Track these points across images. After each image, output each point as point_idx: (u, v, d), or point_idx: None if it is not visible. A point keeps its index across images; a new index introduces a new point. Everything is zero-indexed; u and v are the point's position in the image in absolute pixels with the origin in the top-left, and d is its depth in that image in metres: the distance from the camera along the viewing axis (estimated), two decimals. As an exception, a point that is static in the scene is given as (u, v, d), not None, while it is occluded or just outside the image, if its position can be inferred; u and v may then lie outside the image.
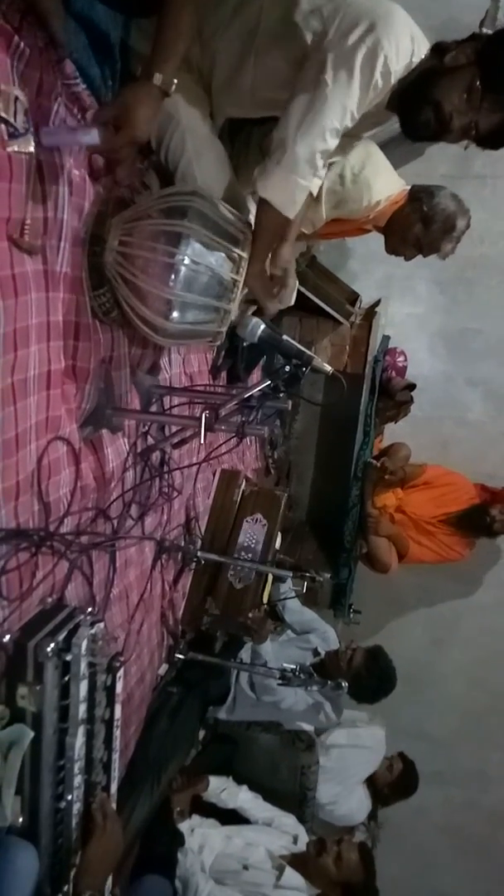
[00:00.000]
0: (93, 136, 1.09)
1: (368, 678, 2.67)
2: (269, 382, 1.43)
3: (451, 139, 1.42)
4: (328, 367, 1.42)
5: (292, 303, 2.61)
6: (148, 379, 1.68)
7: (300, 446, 3.56)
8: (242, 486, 2.50)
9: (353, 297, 3.22)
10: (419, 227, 2.15)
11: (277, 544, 2.54)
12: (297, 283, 2.64)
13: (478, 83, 1.31)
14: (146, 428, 1.72)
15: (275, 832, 2.35)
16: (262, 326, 1.41)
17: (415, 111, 1.37)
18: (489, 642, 3.79)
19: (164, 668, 2.17)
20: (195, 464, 1.93)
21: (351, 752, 2.96)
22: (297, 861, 2.22)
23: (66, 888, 1.30)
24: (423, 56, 1.30)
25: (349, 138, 1.63)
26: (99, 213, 1.31)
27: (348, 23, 1.23)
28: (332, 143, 1.29)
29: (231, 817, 2.39)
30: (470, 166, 3.28)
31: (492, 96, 1.31)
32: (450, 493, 3.38)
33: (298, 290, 2.86)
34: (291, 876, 2.15)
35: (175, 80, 1.14)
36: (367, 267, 3.36)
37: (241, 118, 1.61)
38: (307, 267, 3.12)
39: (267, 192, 1.32)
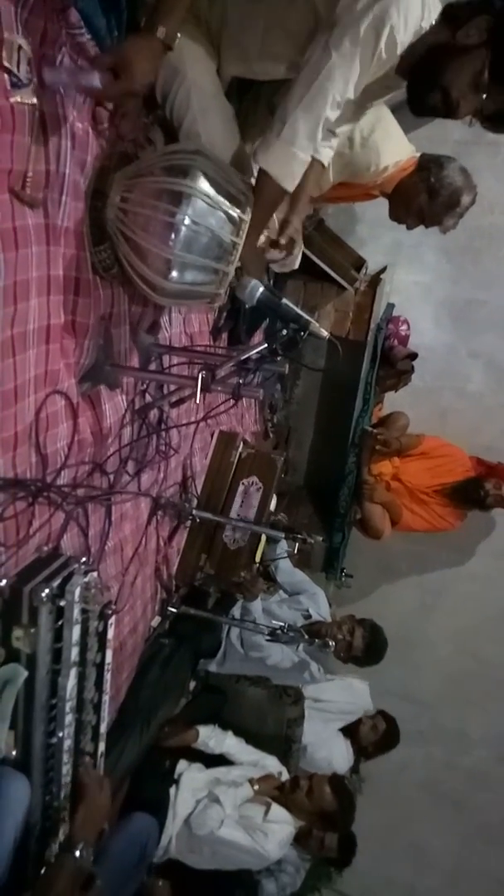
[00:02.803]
0: (93, 79, 1.08)
1: (365, 655, 2.76)
2: (265, 345, 1.45)
3: (456, 118, 1.43)
4: (325, 333, 1.44)
5: (296, 266, 2.62)
6: (147, 337, 1.70)
7: (300, 411, 3.58)
8: (240, 449, 2.53)
9: (360, 263, 3.20)
10: (424, 198, 2.14)
11: (272, 506, 2.59)
12: (302, 246, 2.64)
13: (487, 71, 1.30)
14: (144, 386, 1.74)
15: (259, 771, 2.46)
16: (261, 289, 1.42)
17: (423, 93, 1.38)
18: (476, 610, 3.88)
19: (156, 620, 2.24)
20: (192, 423, 1.96)
21: (332, 697, 3.07)
22: (279, 798, 2.34)
23: (59, 840, 1.38)
24: (433, 21, 1.28)
25: (360, 106, 1.61)
26: (102, 167, 1.31)
27: None
28: (333, 114, 1.28)
29: (217, 762, 2.50)
30: (484, 133, 3.15)
31: (500, 84, 1.31)
32: (446, 464, 3.41)
33: (304, 254, 2.85)
34: (277, 811, 2.29)
35: (178, 35, 1.13)
36: (376, 232, 3.33)
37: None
38: (314, 230, 3.09)
39: (267, 163, 1.33)
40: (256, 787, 2.35)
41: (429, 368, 3.49)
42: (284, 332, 1.43)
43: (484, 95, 1.32)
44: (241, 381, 1.52)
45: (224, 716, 2.72)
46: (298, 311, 1.48)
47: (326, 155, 1.57)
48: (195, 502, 2.32)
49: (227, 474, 2.47)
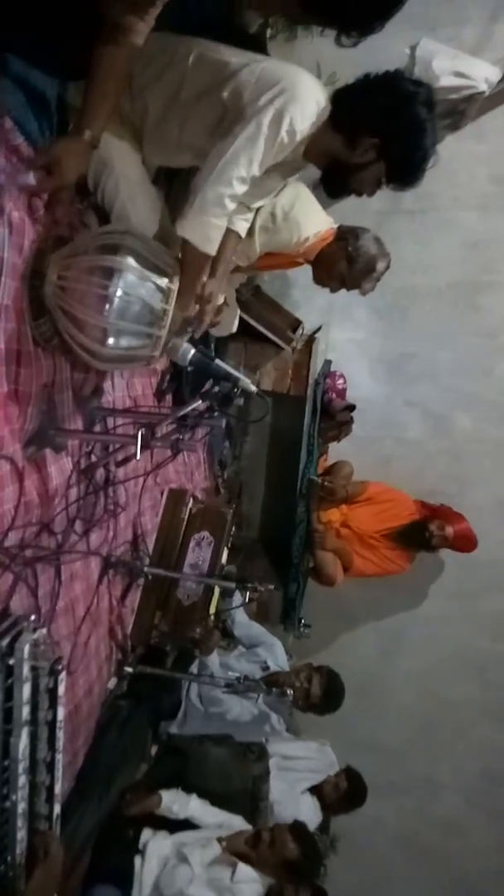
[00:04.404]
0: (28, 178, 1.21)
1: (324, 701, 2.78)
2: (199, 402, 1.56)
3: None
4: (253, 387, 1.56)
5: (234, 330, 2.78)
6: (90, 401, 1.79)
7: (251, 467, 3.69)
8: (190, 505, 2.60)
9: (296, 324, 3.40)
10: (343, 265, 2.35)
11: (224, 559, 2.65)
12: (239, 311, 2.82)
13: (385, 176, 1.59)
14: (89, 448, 1.82)
15: (224, 832, 2.42)
16: (192, 351, 1.54)
17: (337, 193, 1.71)
18: (434, 652, 3.94)
19: (113, 681, 2.24)
20: (136, 477, 2.03)
21: (298, 754, 3.05)
22: (246, 856, 2.30)
23: None
24: (326, 114, 1.49)
25: (275, 184, 1.81)
26: (39, 250, 1.43)
27: (261, 86, 1.41)
28: (240, 188, 1.45)
29: (183, 827, 2.45)
30: (400, 202, 3.52)
31: (396, 181, 1.62)
32: (391, 508, 3.55)
33: (242, 318, 3.03)
34: (244, 870, 2.25)
35: (101, 135, 1.28)
36: (309, 295, 3.54)
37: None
38: (252, 296, 3.29)
39: (184, 231, 1.47)
40: (224, 843, 2.31)
41: (369, 419, 3.66)
42: (217, 388, 1.54)
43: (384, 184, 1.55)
44: (180, 437, 1.63)
45: (188, 778, 2.68)
46: (230, 369, 1.60)
47: (242, 227, 1.74)
48: (147, 560, 2.37)
49: (178, 530, 2.53)
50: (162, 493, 2.56)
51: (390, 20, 1.06)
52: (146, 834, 2.34)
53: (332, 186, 1.67)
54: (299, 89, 1.42)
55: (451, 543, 3.52)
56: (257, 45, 2.13)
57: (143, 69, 1.50)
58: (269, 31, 2.97)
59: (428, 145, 1.55)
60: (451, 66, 2.95)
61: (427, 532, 3.45)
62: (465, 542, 3.54)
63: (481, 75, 3.03)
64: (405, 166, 1.57)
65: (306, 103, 1.44)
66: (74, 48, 1.22)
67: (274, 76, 1.43)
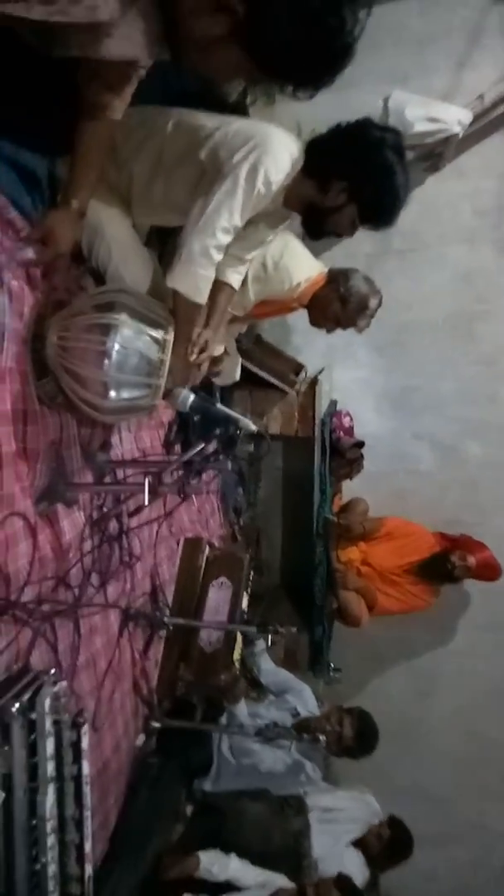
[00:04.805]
0: (27, 253, 1.30)
1: (357, 743, 2.71)
2: (202, 445, 1.60)
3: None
4: (253, 427, 1.60)
5: (237, 378, 2.85)
6: (99, 455, 1.84)
7: (266, 512, 3.71)
8: (206, 552, 2.62)
9: (299, 368, 3.47)
10: (337, 306, 2.43)
11: (244, 605, 2.64)
12: (241, 359, 2.89)
13: (358, 218, 1.70)
14: (101, 501, 1.86)
15: (267, 891, 2.33)
16: (192, 397, 1.60)
17: (317, 235, 1.80)
18: (471, 687, 3.83)
19: (141, 738, 2.20)
20: (148, 522, 2.04)
21: (339, 805, 2.94)
22: None
23: None
24: (299, 164, 1.58)
25: (262, 233, 1.91)
26: (39, 315, 1.51)
27: (235, 144, 1.51)
28: (224, 239, 1.53)
29: (222, 888, 2.36)
30: (390, 244, 3.63)
31: (370, 222, 1.73)
32: (410, 543, 3.52)
33: (246, 366, 3.11)
34: (289, 932, 2.14)
35: (88, 203, 1.37)
36: (309, 339, 3.62)
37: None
38: (253, 345, 3.38)
39: (175, 283, 1.55)
40: None
41: (379, 454, 3.68)
42: (218, 431, 1.58)
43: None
44: (187, 481, 1.66)
45: (225, 837, 2.59)
46: (229, 411, 1.65)
47: (235, 280, 1.82)
48: (167, 611, 2.37)
49: (196, 578, 2.53)
50: (178, 544, 2.58)
51: (339, 74, 1.14)
52: (187, 898, 2.26)
53: (312, 229, 1.76)
54: (271, 143, 1.52)
55: (475, 573, 3.47)
56: (238, 113, 2.28)
57: (126, 141, 1.61)
58: (248, 99, 3.15)
59: (398, 186, 1.64)
60: (424, 113, 3.10)
61: (449, 563, 3.40)
62: (490, 571, 3.48)
63: (454, 118, 3.17)
64: (377, 207, 1.66)
65: (279, 155, 1.53)
66: (59, 126, 1.32)
67: (247, 134, 1.53)
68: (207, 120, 1.59)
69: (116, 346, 1.45)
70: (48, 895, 1.36)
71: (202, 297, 1.58)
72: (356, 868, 2.98)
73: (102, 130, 1.33)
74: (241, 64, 1.08)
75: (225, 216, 1.50)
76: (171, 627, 2.35)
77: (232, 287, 1.89)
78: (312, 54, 1.06)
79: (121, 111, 1.32)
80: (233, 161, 1.49)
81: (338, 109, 1.85)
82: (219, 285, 1.87)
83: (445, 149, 3.35)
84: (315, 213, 1.70)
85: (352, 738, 2.64)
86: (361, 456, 3.45)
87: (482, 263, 3.63)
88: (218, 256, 1.54)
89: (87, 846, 1.46)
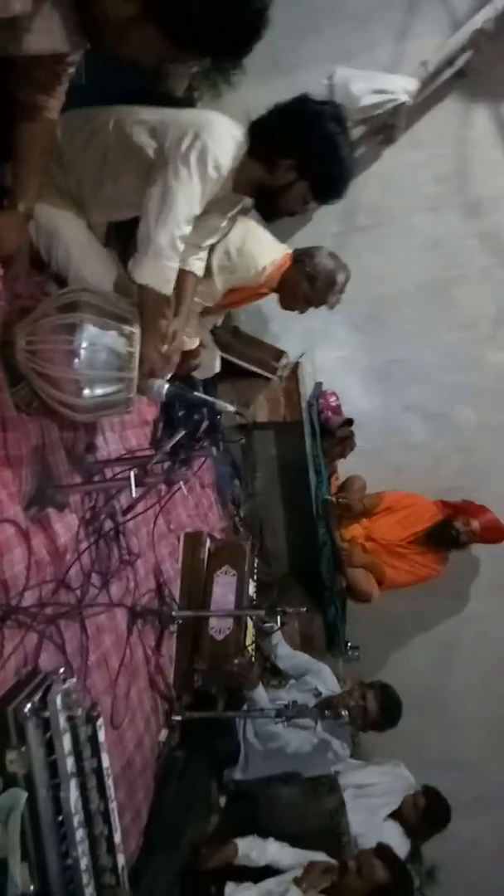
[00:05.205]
0: None
1: (382, 717, 2.73)
2: (182, 433, 1.62)
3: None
4: (231, 408, 1.62)
5: (217, 370, 2.87)
6: (85, 457, 1.86)
7: (266, 502, 3.73)
8: (207, 544, 2.64)
9: (279, 354, 3.49)
10: (305, 285, 2.45)
11: (252, 591, 2.66)
12: (219, 352, 2.91)
13: (310, 193, 1.70)
14: (93, 502, 1.88)
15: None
16: (167, 386, 1.61)
17: (272, 216, 1.82)
18: (491, 652, 3.84)
19: (164, 733, 2.23)
20: (145, 511, 2.03)
21: (372, 780, 2.96)
22: (333, 892, 2.22)
23: None
24: (244, 147, 1.60)
25: (216, 221, 1.93)
26: (5, 323, 1.53)
27: (178, 134, 1.53)
28: (187, 228, 1.55)
29: (264, 873, 2.38)
30: (355, 221, 3.65)
31: (321, 196, 1.73)
32: (412, 514, 3.53)
33: (226, 358, 3.13)
34: (333, 907, 2.16)
35: (35, 205, 1.39)
36: (287, 325, 3.64)
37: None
38: (232, 336, 3.40)
39: (143, 278, 1.57)
40: (304, 885, 2.23)
41: (371, 431, 3.69)
42: (196, 416, 1.60)
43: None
44: (173, 470, 1.68)
45: (261, 824, 2.61)
46: (205, 397, 1.67)
47: (198, 267, 1.84)
48: (175, 606, 2.38)
49: (200, 571, 2.56)
50: (178, 540, 2.60)
51: (256, 39, 1.15)
52: (229, 888, 2.28)
53: (266, 211, 1.78)
54: (213, 128, 1.55)
55: (480, 537, 3.49)
56: (186, 107, 2.30)
57: (70, 144, 1.63)
58: (195, 94, 3.18)
59: (344, 157, 1.66)
60: (369, 86, 3.12)
61: (453, 530, 3.42)
62: (495, 533, 3.50)
63: (400, 87, 3.19)
64: (326, 180, 1.68)
65: (223, 139, 1.55)
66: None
67: (188, 123, 1.55)
68: (148, 114, 1.61)
69: (84, 344, 1.47)
70: (83, 888, 1.38)
71: (169, 289, 1.60)
72: (396, 840, 2.99)
73: (41, 132, 1.35)
74: (157, 42, 1.09)
75: (184, 206, 1.52)
76: (180, 622, 2.37)
77: (195, 275, 1.91)
78: (224, 23, 1.07)
79: (56, 110, 1.34)
80: (180, 150, 1.51)
81: (285, 95, 1.87)
82: (183, 275, 1.89)
83: (396, 119, 3.37)
84: (266, 193, 1.72)
85: (376, 712, 2.65)
86: (352, 433, 3.46)
87: (449, 229, 3.65)
88: (182, 246, 1.56)
89: (117, 837, 1.48)
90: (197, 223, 1.79)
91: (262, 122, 1.67)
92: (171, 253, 1.55)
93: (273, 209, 1.74)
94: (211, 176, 1.54)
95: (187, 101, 2.90)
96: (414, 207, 3.67)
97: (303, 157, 1.64)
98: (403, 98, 3.21)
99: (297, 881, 2.24)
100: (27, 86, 1.27)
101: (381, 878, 2.23)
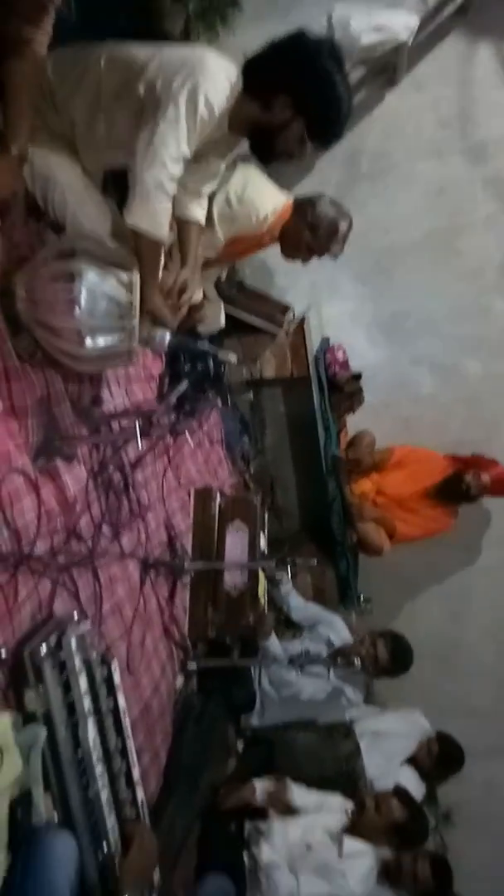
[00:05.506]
0: None
1: (393, 664, 2.77)
2: (186, 383, 1.61)
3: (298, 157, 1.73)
4: (233, 357, 1.61)
5: (222, 325, 2.85)
6: (91, 409, 1.86)
7: (276, 459, 3.72)
8: (218, 500, 2.66)
9: (285, 309, 3.45)
10: (307, 234, 2.40)
11: (263, 546, 2.68)
12: (223, 306, 2.88)
13: (306, 132, 1.65)
14: (101, 455, 1.89)
15: (325, 812, 2.42)
16: (169, 336, 1.61)
17: (268, 158, 1.75)
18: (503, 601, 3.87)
19: (180, 680, 2.28)
20: (149, 462, 2.04)
21: (388, 727, 3.02)
22: (352, 829, 2.30)
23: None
24: (239, 86, 1.56)
25: (214, 165, 1.89)
26: (4, 272, 1.52)
27: (171, 73, 1.49)
28: (175, 168, 1.52)
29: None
30: (358, 169, 3.57)
31: (319, 135, 1.68)
32: (422, 468, 3.52)
33: (232, 314, 3.10)
34: (351, 844, 2.25)
35: (28, 146, 1.37)
36: (292, 279, 3.59)
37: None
38: (237, 291, 3.36)
39: (134, 221, 1.54)
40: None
41: (379, 385, 3.66)
42: (198, 366, 1.60)
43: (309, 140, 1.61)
44: (179, 420, 1.69)
45: (279, 768, 2.68)
46: (208, 347, 1.66)
47: (199, 214, 1.81)
48: (187, 558, 2.41)
49: (212, 526, 2.58)
50: (189, 495, 2.62)
51: None
52: (249, 826, 2.36)
53: (262, 153, 1.73)
54: (206, 66, 1.50)
55: (491, 489, 3.47)
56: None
57: (61, 83, 1.59)
58: (191, 34, 3.08)
59: (340, 94, 1.60)
60: (369, 23, 3.01)
61: (464, 483, 3.40)
62: (505, 485, 3.49)
63: (400, 24, 3.08)
64: (322, 117, 1.63)
65: (216, 77, 1.51)
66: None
67: (181, 60, 1.51)
68: (139, 50, 1.57)
69: (84, 292, 1.46)
70: (105, 818, 1.43)
71: (163, 232, 1.57)
72: (411, 784, 3.07)
73: (29, 68, 1.32)
74: None
75: (172, 146, 1.48)
76: (192, 574, 2.40)
77: (198, 222, 1.88)
78: None
79: (44, 45, 1.31)
80: (171, 89, 1.47)
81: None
82: (185, 224, 1.86)
83: (398, 60, 3.26)
84: (262, 133, 1.66)
85: (387, 660, 2.69)
86: (360, 388, 3.44)
87: (454, 175, 3.56)
88: (172, 187, 1.53)
89: (135, 773, 1.54)
90: (194, 168, 1.76)
91: (258, 59, 1.62)
92: (158, 194, 1.52)
93: (270, 150, 1.69)
94: (202, 114, 1.50)
95: (183, 40, 2.81)
96: (418, 153, 3.58)
97: (300, 92, 1.59)
98: (404, 36, 3.10)
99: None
100: (14, 19, 1.24)
101: (399, 817, 2.31)
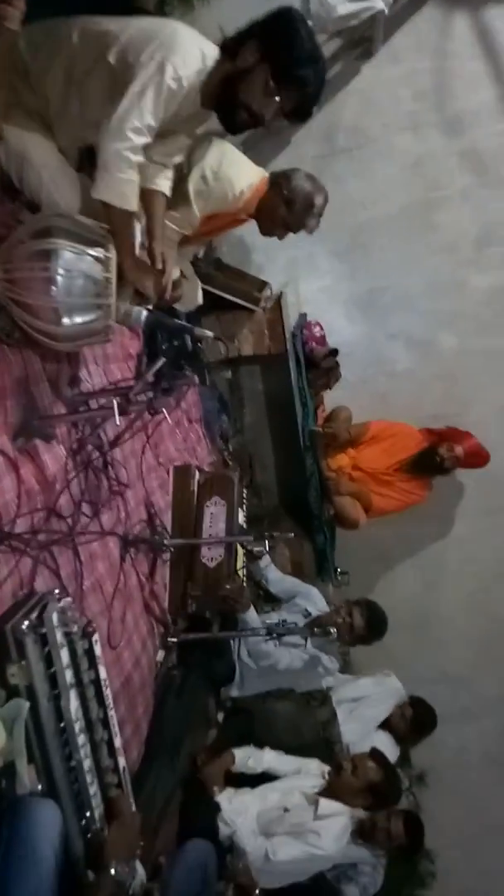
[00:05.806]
0: None
1: (368, 631, 2.84)
2: (163, 360, 1.62)
3: (264, 125, 1.70)
4: (209, 333, 1.62)
5: (200, 302, 2.84)
6: (69, 390, 1.87)
7: (255, 437, 3.76)
8: (196, 477, 2.69)
9: (262, 286, 3.44)
10: (283, 209, 2.39)
11: (242, 520, 2.73)
12: (200, 284, 2.87)
13: (271, 80, 1.59)
14: (79, 434, 1.90)
15: (303, 776, 2.51)
16: (145, 312, 1.61)
17: (230, 115, 1.68)
18: (476, 571, 3.97)
19: (161, 654, 2.33)
20: (128, 430, 2.05)
21: (363, 693, 3.12)
22: (328, 791, 2.39)
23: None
24: (214, 60, 1.54)
25: (182, 139, 1.87)
26: (-22, 252, 1.50)
27: (141, 45, 1.47)
28: (139, 140, 1.51)
29: (260, 781, 2.54)
30: (335, 143, 3.55)
31: (284, 85, 1.61)
32: (397, 442, 3.58)
33: (210, 291, 3.09)
34: (326, 805, 2.35)
35: (6, 129, 1.35)
36: (270, 256, 3.59)
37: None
38: (214, 269, 3.35)
39: (99, 193, 1.53)
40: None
41: (356, 361, 3.70)
42: (175, 343, 1.61)
43: (277, 98, 1.58)
44: (156, 397, 1.70)
45: (258, 737, 2.76)
46: (184, 323, 1.67)
47: (165, 186, 1.80)
48: (166, 535, 2.45)
49: (190, 502, 2.61)
50: (168, 473, 2.64)
51: None
52: (228, 792, 2.43)
53: (228, 116, 1.67)
54: (177, 39, 1.49)
55: (464, 462, 3.55)
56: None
57: (35, 60, 1.57)
58: (166, 8, 3.02)
59: (306, 43, 1.58)
60: (345, -8, 2.97)
61: (437, 456, 3.48)
62: (477, 458, 3.57)
63: (377, -7, 3.05)
64: (289, 62, 1.58)
65: (187, 50, 1.50)
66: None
67: (151, 33, 1.49)
68: (111, 24, 1.54)
69: (60, 271, 1.46)
70: (88, 786, 1.48)
71: (130, 204, 1.56)
72: (386, 747, 3.18)
73: (2, 44, 1.30)
74: None
75: (135, 116, 1.47)
76: (172, 550, 2.44)
77: (163, 193, 1.87)
78: None
79: (17, 20, 1.29)
80: (140, 61, 1.45)
81: (260, 9, 1.78)
82: (150, 193, 1.84)
83: (374, 31, 3.22)
84: (228, 89, 1.61)
85: (362, 627, 2.77)
86: (337, 364, 3.47)
87: (429, 148, 3.56)
88: (135, 158, 1.51)
89: (117, 741, 1.58)
90: (162, 140, 1.74)
91: (239, 32, 1.60)
92: (120, 164, 1.50)
93: (234, 108, 1.63)
94: (169, 87, 1.49)
95: (158, 15, 2.75)
96: (394, 126, 3.57)
97: (267, 36, 1.57)
98: (380, 6, 3.07)
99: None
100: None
101: (374, 777, 2.41)
